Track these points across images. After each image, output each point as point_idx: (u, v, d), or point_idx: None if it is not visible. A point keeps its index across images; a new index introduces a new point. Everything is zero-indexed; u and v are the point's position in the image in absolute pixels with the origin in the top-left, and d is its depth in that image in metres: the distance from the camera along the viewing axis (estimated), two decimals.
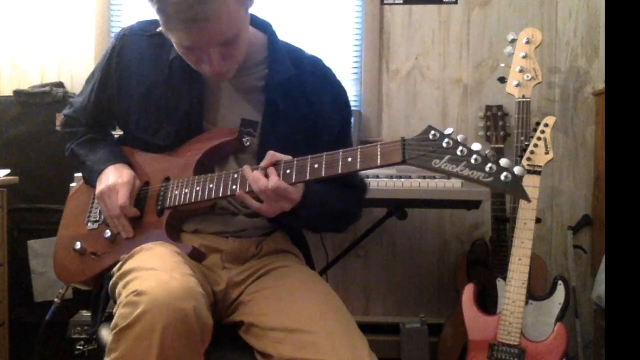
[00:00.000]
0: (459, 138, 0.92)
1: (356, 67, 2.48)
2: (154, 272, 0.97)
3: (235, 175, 1.12)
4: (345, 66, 2.47)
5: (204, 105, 1.23)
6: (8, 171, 2.05)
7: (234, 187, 1.11)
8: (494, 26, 2.41)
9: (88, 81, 1.38)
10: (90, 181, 1.32)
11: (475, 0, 2.41)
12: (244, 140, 1.22)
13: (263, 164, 1.08)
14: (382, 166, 0.97)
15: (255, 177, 1.06)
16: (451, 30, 2.43)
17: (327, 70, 1.33)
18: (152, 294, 0.91)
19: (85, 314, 1.97)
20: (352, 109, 2.38)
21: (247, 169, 1.09)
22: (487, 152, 0.90)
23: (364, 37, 2.44)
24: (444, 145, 0.91)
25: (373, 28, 2.43)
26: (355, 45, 2.48)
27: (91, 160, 1.33)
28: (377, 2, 2.42)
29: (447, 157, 0.90)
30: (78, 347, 1.90)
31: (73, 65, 2.46)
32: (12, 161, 2.18)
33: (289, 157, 1.07)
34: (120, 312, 0.94)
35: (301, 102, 1.25)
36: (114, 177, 1.23)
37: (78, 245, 1.26)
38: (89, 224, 1.31)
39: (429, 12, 2.43)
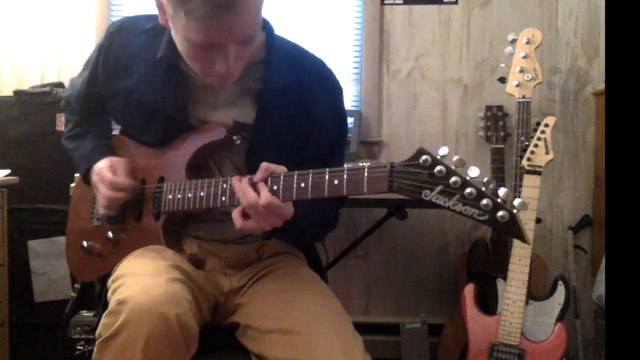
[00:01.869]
0: (454, 160, 0.83)
1: (356, 67, 2.49)
2: (139, 278, 0.96)
3: (224, 185, 1.08)
4: (345, 66, 2.48)
5: (189, 108, 1.20)
6: (8, 171, 2.05)
7: (223, 198, 1.07)
8: (494, 26, 2.41)
9: (84, 68, 1.35)
10: (80, 175, 1.33)
11: (475, 0, 2.41)
12: (234, 138, 1.18)
13: (256, 177, 1.01)
14: (368, 194, 0.90)
15: (244, 190, 1.00)
16: (451, 30, 2.43)
17: (329, 74, 1.26)
18: (133, 302, 0.90)
19: (86, 314, 1.97)
20: (352, 108, 2.42)
21: (235, 181, 1.03)
22: (484, 180, 0.82)
23: (364, 37, 2.44)
24: (436, 173, 0.83)
25: (373, 28, 2.43)
26: (355, 45, 2.48)
27: (76, 156, 1.34)
28: (377, 2, 2.42)
29: (438, 188, 0.83)
30: (78, 347, 1.90)
31: (73, 65, 2.45)
32: (12, 161, 2.18)
33: (283, 169, 1.01)
34: (103, 321, 0.93)
35: (296, 107, 1.20)
36: (96, 176, 1.22)
37: (85, 243, 1.27)
38: (94, 220, 1.32)
39: (429, 12, 2.43)
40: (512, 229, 0.80)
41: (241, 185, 1.00)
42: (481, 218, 0.80)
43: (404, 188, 0.85)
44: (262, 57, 1.20)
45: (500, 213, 0.80)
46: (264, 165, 1.01)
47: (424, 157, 0.84)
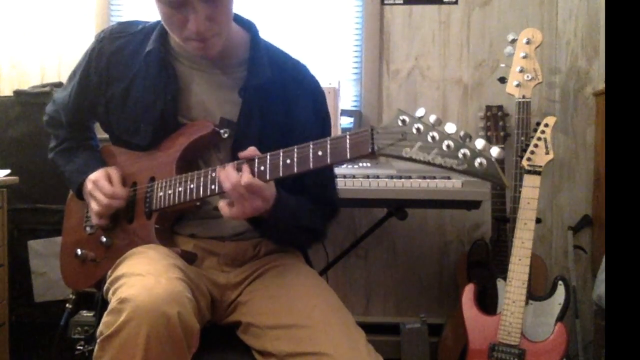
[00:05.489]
0: (431, 119, 0.87)
1: (356, 67, 2.49)
2: (140, 278, 0.97)
3: (213, 174, 1.10)
4: (345, 66, 2.48)
5: (179, 103, 1.22)
6: (8, 171, 2.04)
7: (213, 186, 1.10)
8: (494, 26, 2.41)
9: (70, 79, 1.37)
10: (73, 191, 1.34)
11: (475, 0, 2.41)
12: (221, 132, 1.20)
13: (242, 154, 1.05)
14: (352, 159, 0.94)
15: (227, 173, 1.03)
16: (451, 30, 2.43)
17: (310, 77, 1.29)
18: (136, 301, 0.91)
19: (86, 314, 1.97)
20: (352, 108, 2.42)
21: (219, 168, 1.06)
22: (460, 134, 0.86)
23: (364, 37, 2.44)
24: (414, 131, 0.86)
25: (373, 28, 2.43)
26: (355, 45, 2.48)
27: (68, 171, 1.35)
28: (377, 2, 2.42)
29: (417, 145, 0.86)
30: (78, 347, 1.90)
31: (73, 66, 2.43)
32: (12, 161, 2.18)
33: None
34: (104, 320, 0.94)
35: (279, 107, 1.23)
36: (91, 185, 1.24)
37: (78, 251, 1.28)
38: (87, 228, 1.32)
39: (429, 12, 2.43)
40: (490, 174, 0.84)
41: (224, 170, 1.04)
42: (460, 167, 0.84)
43: (385, 148, 0.88)
44: (247, 57, 1.23)
45: (478, 160, 0.84)
46: (251, 147, 1.05)
47: (402, 118, 0.88)
